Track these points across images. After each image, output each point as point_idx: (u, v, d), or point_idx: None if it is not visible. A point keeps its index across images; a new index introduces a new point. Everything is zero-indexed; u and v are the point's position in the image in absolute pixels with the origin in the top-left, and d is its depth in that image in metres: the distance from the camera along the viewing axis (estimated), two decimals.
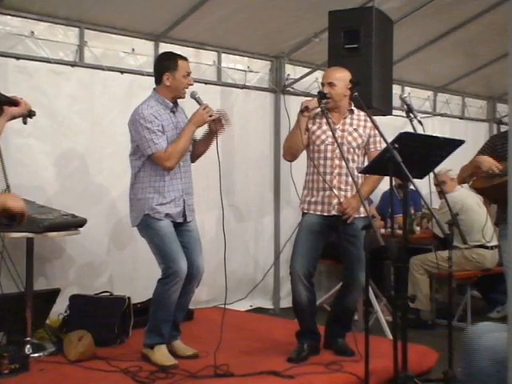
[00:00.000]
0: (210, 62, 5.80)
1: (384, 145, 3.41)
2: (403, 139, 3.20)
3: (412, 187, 3.30)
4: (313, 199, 4.14)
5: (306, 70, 6.24)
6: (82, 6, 4.78)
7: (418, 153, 3.32)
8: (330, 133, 3.99)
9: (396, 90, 5.91)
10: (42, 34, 4.78)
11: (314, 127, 4.16)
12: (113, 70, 5.16)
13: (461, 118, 8.15)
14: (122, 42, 5.22)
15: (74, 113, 4.97)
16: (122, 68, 5.22)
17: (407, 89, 7.03)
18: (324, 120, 4.06)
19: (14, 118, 2.96)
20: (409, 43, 6.21)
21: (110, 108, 5.13)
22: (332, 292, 5.57)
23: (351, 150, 4.10)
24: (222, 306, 4.23)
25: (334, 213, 4.08)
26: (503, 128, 6.38)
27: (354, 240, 4.03)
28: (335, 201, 4.07)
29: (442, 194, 4.77)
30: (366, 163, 4.09)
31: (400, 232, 4.16)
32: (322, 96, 3.98)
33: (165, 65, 3.97)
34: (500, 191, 3.59)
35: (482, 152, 4.28)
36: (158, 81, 3.99)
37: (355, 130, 4.13)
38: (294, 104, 5.75)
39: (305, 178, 4.24)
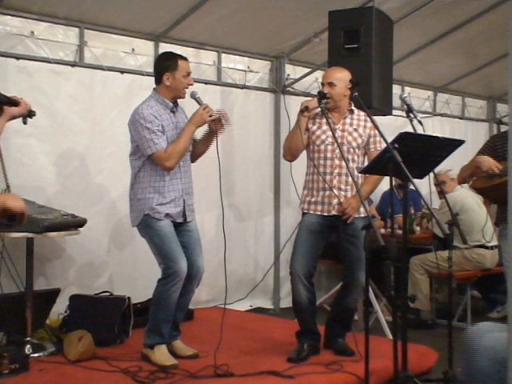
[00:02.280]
0: (210, 61, 5.80)
1: (384, 145, 3.41)
2: (403, 139, 3.20)
3: (412, 187, 3.30)
4: (313, 199, 4.14)
5: (306, 70, 6.24)
6: (82, 6, 4.78)
7: (418, 153, 3.32)
8: (329, 133, 3.99)
9: (396, 89, 5.91)
10: (42, 34, 4.78)
11: (314, 127, 4.16)
12: (113, 70, 5.16)
13: (461, 118, 8.15)
14: (121, 42, 5.23)
15: (73, 113, 4.97)
16: (122, 68, 5.22)
17: (407, 89, 7.04)
18: (324, 120, 4.06)
19: (13, 117, 2.96)
20: (409, 43, 6.21)
21: (110, 108, 5.14)
22: (332, 292, 5.57)
23: (351, 150, 4.10)
24: (222, 306, 4.23)
25: (334, 213, 4.08)
26: (503, 128, 6.37)
27: (353, 240, 4.03)
28: (335, 201, 4.07)
29: (442, 193, 4.77)
30: (366, 163, 4.09)
31: (400, 232, 4.16)
32: (322, 96, 3.98)
33: (165, 65, 3.97)
34: (500, 191, 3.60)
35: (482, 152, 4.28)
36: (158, 81, 3.99)
37: (355, 130, 4.13)
38: (294, 104, 5.76)
39: (305, 178, 4.25)
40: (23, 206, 2.37)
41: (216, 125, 3.99)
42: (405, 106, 3.84)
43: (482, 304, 6.11)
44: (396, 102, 4.98)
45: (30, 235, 4.01)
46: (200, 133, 4.12)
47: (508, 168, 1.87)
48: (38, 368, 3.86)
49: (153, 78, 4.07)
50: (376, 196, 6.31)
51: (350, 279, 4.19)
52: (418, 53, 6.47)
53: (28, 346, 4.03)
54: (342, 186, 4.08)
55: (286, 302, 5.96)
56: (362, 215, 4.07)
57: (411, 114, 3.78)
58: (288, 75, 6.26)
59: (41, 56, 4.76)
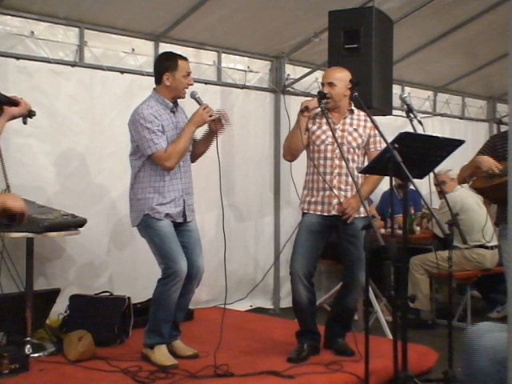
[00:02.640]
0: (210, 61, 5.80)
1: (384, 145, 3.41)
2: (403, 139, 3.20)
3: (412, 187, 3.30)
4: (313, 199, 4.14)
5: (306, 70, 6.24)
6: (82, 6, 4.78)
7: (418, 153, 3.32)
8: (329, 133, 3.99)
9: (396, 89, 5.91)
10: (42, 34, 4.78)
11: (314, 127, 4.16)
12: (113, 70, 5.16)
13: (461, 118, 8.15)
14: (121, 42, 5.23)
15: (73, 113, 4.97)
16: (122, 68, 5.22)
17: (407, 89, 7.04)
18: (324, 120, 4.06)
19: (13, 117, 2.96)
20: (409, 43, 6.21)
21: (110, 108, 5.14)
22: (332, 292, 5.57)
23: (351, 150, 4.10)
24: (222, 306, 4.23)
25: (333, 213, 4.08)
26: (503, 128, 6.37)
27: (353, 240, 4.03)
28: (335, 201, 4.07)
29: (442, 193, 4.77)
30: (366, 163, 4.09)
31: (400, 232, 4.16)
32: (322, 96, 3.98)
33: (165, 65, 3.97)
34: (500, 191, 3.60)
35: (482, 152, 4.28)
36: (158, 81, 3.99)
37: (355, 130, 4.13)
38: (294, 104, 5.76)
39: (305, 178, 4.25)
40: (23, 206, 2.37)
41: (216, 125, 3.99)
42: (405, 106, 3.84)
43: (482, 304, 6.11)
44: (396, 102, 4.98)
45: (30, 235, 4.01)
46: (200, 133, 4.12)
47: (508, 168, 1.87)
48: (38, 368, 3.86)
49: (153, 78, 4.07)
50: (376, 196, 6.31)
51: (350, 279, 4.19)
52: (418, 53, 6.47)
53: (28, 345, 4.03)
54: (342, 186, 4.08)
55: (286, 302, 5.96)
56: (362, 215, 4.07)
57: (411, 114, 3.78)
58: (288, 75, 6.26)
59: (41, 56, 4.76)
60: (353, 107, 4.16)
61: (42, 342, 4.24)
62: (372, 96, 4.61)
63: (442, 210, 5.25)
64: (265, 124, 6.22)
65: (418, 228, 5.94)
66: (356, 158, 4.13)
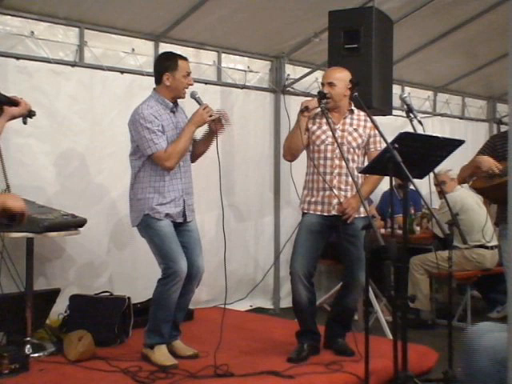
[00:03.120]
0: (210, 61, 5.80)
1: (384, 145, 3.41)
2: (403, 139, 3.20)
3: (412, 187, 3.30)
4: (313, 199, 4.14)
5: (306, 70, 6.24)
6: (82, 6, 4.78)
7: (418, 153, 3.32)
8: (329, 133, 3.99)
9: (396, 89, 5.91)
10: (42, 34, 4.78)
11: (314, 127, 4.16)
12: (113, 70, 5.16)
13: (461, 118, 8.16)
14: (121, 42, 5.23)
15: (73, 113, 4.97)
16: (122, 68, 5.22)
17: (407, 89, 7.04)
18: (324, 120, 4.07)
19: (13, 117, 2.96)
20: (409, 43, 6.21)
21: (110, 108, 5.14)
22: (332, 292, 5.57)
23: (351, 150, 4.10)
24: (222, 306, 4.24)
25: (333, 213, 4.08)
26: (503, 128, 6.37)
27: (353, 240, 4.03)
28: (335, 201, 4.07)
29: (442, 194, 4.77)
30: (366, 163, 4.09)
31: (400, 232, 4.16)
32: (322, 96, 3.98)
33: (165, 65, 3.97)
34: (500, 191, 3.60)
35: (482, 152, 4.28)
36: (158, 81, 3.99)
37: (355, 130, 4.13)
38: (294, 104, 5.76)
39: (305, 178, 4.25)
40: (23, 206, 2.37)
41: (216, 125, 3.99)
42: (405, 106, 3.84)
43: (482, 304, 6.11)
44: (396, 102, 4.98)
45: (30, 235, 4.01)
46: (200, 133, 4.12)
47: (508, 168, 1.88)
48: (38, 368, 3.86)
49: (153, 78, 4.07)
50: (376, 196, 6.31)
51: (350, 279, 4.19)
52: (418, 53, 6.47)
53: (28, 345, 4.03)
54: (342, 186, 4.08)
55: (286, 302, 5.96)
56: (362, 215, 4.07)
57: (411, 114, 3.78)
58: (288, 75, 6.26)
59: (41, 56, 4.76)
60: (353, 107, 4.16)
61: (42, 342, 4.24)
62: (372, 96, 4.61)
63: (442, 210, 5.25)
64: (265, 124, 6.22)
65: (418, 228, 5.94)
66: (356, 157, 4.13)
